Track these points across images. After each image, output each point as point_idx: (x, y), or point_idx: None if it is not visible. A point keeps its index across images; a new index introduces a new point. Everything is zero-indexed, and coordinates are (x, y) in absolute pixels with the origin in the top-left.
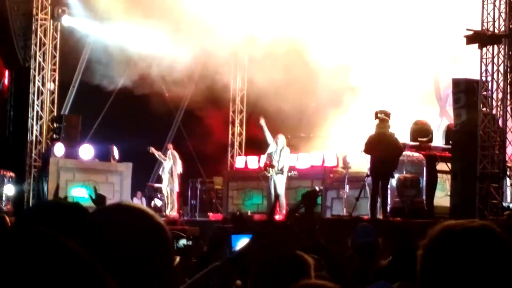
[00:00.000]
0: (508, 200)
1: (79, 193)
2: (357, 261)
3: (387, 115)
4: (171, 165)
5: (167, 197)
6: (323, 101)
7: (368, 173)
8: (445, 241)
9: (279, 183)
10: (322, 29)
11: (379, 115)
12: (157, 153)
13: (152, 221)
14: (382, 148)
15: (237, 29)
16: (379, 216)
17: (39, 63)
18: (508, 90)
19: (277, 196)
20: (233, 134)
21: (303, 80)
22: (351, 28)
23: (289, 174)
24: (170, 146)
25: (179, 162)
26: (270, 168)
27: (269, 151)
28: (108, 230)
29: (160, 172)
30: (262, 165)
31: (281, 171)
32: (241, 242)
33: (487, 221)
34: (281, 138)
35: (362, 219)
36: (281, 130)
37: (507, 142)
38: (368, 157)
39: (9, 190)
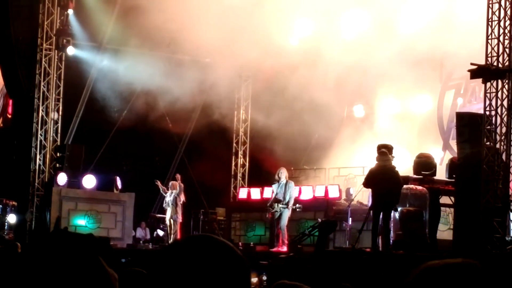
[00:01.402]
0: None
1: (81, 223)
2: None
3: (389, 149)
4: (174, 195)
5: (170, 227)
6: (326, 133)
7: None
8: (424, 278)
9: (284, 216)
10: (324, 62)
11: (381, 149)
12: (161, 187)
13: (234, 254)
14: (382, 182)
15: (240, 62)
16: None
17: (43, 92)
18: None
19: (280, 228)
20: (236, 165)
21: (306, 112)
22: (353, 61)
23: (295, 207)
24: (179, 176)
25: (182, 193)
26: (276, 204)
27: (273, 186)
28: (191, 261)
29: (164, 205)
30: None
31: (286, 205)
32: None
33: (469, 259)
34: (284, 172)
35: (364, 252)
36: (284, 162)
37: (511, 176)
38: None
39: (12, 219)
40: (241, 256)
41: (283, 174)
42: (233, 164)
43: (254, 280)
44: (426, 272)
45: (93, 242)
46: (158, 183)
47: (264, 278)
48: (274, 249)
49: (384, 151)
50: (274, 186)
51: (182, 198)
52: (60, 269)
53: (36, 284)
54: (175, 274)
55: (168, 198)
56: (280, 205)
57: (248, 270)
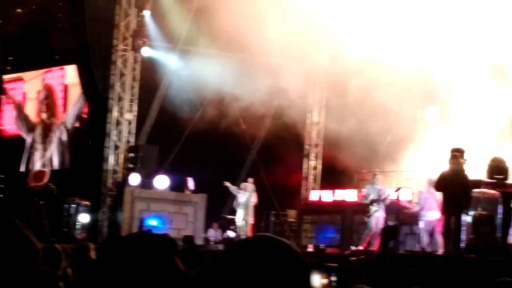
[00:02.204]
0: None
1: (153, 223)
2: None
3: (461, 152)
4: (247, 197)
5: (241, 228)
6: (399, 136)
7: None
8: None
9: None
10: (399, 62)
11: (453, 152)
12: (232, 187)
13: (293, 254)
14: (453, 185)
15: (313, 64)
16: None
17: (118, 93)
18: None
19: (376, 231)
20: (308, 167)
21: (378, 115)
22: (429, 62)
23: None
24: (251, 180)
25: (255, 194)
26: (371, 206)
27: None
28: (250, 262)
29: (233, 205)
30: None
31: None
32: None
33: None
34: (379, 176)
35: (434, 255)
36: (356, 165)
37: None
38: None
39: (84, 218)
40: (301, 256)
41: (378, 178)
42: (305, 166)
43: (324, 281)
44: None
45: (168, 242)
46: (228, 184)
47: (334, 279)
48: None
49: (456, 154)
50: (369, 188)
51: (255, 199)
52: (135, 269)
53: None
54: (236, 275)
55: (241, 199)
56: (374, 208)
57: (308, 270)
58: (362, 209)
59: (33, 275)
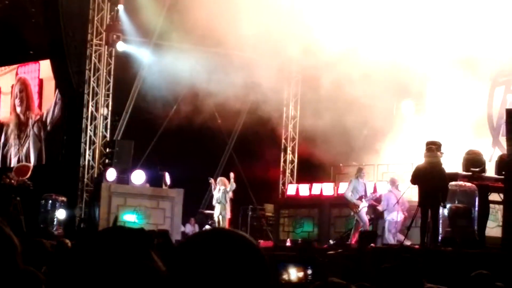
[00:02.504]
0: None
1: (130, 219)
2: None
3: (437, 145)
4: (223, 192)
5: (219, 223)
6: (375, 130)
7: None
8: None
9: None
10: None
11: (429, 146)
12: (213, 185)
13: (250, 246)
14: (429, 179)
15: (288, 58)
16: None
17: (93, 88)
18: None
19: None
20: (285, 161)
21: (355, 109)
22: (401, 58)
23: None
24: (233, 175)
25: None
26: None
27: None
28: (206, 255)
29: (213, 202)
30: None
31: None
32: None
33: None
34: (365, 171)
35: (412, 248)
36: (332, 159)
37: None
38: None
39: (61, 214)
40: (258, 248)
41: (364, 172)
42: (282, 160)
43: (300, 274)
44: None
45: (144, 237)
46: (212, 181)
47: (310, 272)
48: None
49: (432, 147)
50: (355, 182)
51: (231, 195)
52: (110, 264)
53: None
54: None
55: (217, 194)
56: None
57: (265, 263)
58: (350, 205)
59: (10, 274)
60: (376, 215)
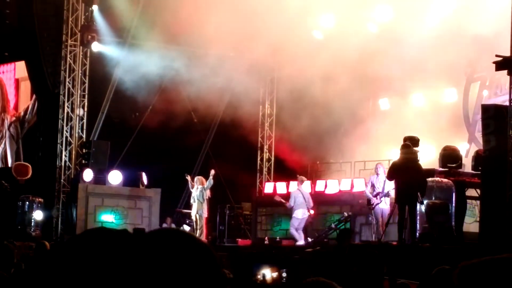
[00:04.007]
0: None
1: (108, 219)
2: None
3: (415, 141)
4: (201, 190)
5: (196, 222)
6: (352, 127)
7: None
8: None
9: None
10: (347, 55)
11: (405, 141)
12: (190, 183)
13: (198, 244)
14: (406, 174)
15: (264, 56)
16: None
17: (69, 89)
18: None
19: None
20: (261, 159)
21: (331, 106)
22: (376, 54)
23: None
24: (213, 172)
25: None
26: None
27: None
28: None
29: (191, 201)
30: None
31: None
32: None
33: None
34: (381, 166)
35: (391, 245)
36: (309, 156)
37: None
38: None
39: (38, 215)
40: (206, 245)
41: (381, 168)
42: (258, 158)
43: (274, 274)
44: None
45: (128, 238)
46: (188, 177)
47: (284, 274)
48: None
49: (408, 143)
50: (372, 178)
51: (208, 193)
52: (96, 265)
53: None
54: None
55: (194, 193)
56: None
57: (215, 258)
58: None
59: None
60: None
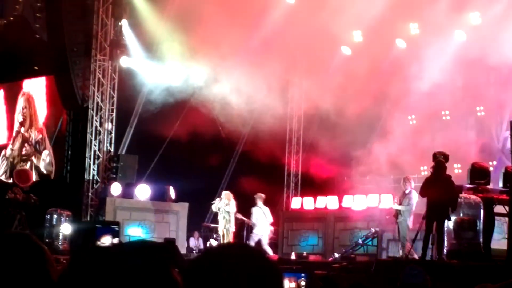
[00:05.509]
0: None
1: (135, 233)
2: None
3: (445, 156)
4: (227, 205)
5: (223, 237)
6: (379, 141)
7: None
8: None
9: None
10: (378, 70)
11: (437, 156)
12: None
13: (266, 261)
14: (438, 190)
15: (294, 69)
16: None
17: (97, 103)
18: None
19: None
20: (289, 174)
21: (359, 121)
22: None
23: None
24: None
25: (233, 202)
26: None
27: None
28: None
29: (218, 217)
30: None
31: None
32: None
33: None
34: (408, 181)
35: (417, 261)
36: (337, 172)
37: None
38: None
39: (66, 229)
40: (274, 263)
41: (408, 183)
42: (285, 173)
43: (293, 285)
44: None
45: (165, 252)
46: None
47: (303, 283)
48: None
49: (441, 159)
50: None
51: (235, 208)
52: (133, 277)
53: None
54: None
55: (222, 207)
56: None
57: (280, 277)
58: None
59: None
60: (384, 227)
